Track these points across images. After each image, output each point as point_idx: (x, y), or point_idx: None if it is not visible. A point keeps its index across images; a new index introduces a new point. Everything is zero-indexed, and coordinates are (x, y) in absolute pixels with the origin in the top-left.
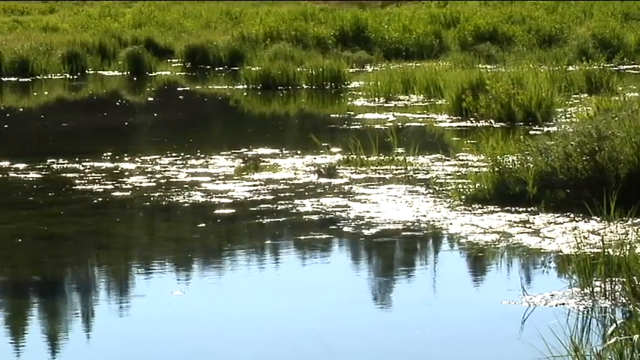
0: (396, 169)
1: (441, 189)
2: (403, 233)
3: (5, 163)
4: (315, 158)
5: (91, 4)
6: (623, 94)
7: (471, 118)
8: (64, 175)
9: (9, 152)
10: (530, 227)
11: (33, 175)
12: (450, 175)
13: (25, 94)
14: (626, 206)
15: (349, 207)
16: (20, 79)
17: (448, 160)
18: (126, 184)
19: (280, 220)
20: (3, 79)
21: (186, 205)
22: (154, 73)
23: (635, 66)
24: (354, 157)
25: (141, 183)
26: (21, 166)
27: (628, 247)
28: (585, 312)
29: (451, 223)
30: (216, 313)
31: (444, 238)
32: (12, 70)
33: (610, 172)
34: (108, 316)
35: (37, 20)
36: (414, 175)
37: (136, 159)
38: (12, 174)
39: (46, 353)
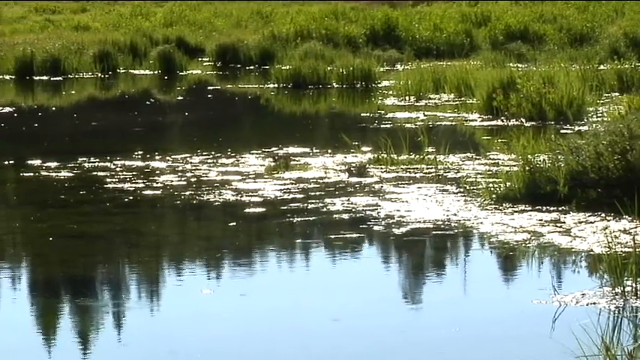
0: (427, 168)
1: (471, 188)
2: (434, 232)
3: (37, 162)
4: (345, 157)
5: (122, 4)
6: None
7: (502, 117)
8: (95, 173)
9: (41, 151)
10: (561, 226)
11: (64, 173)
12: (480, 174)
13: (57, 93)
14: None
15: (379, 206)
16: (52, 78)
17: (479, 159)
18: (156, 183)
19: (310, 219)
20: (35, 78)
21: (216, 203)
22: (184, 72)
23: None
24: (385, 155)
25: (171, 182)
26: (52, 164)
27: None
28: (616, 311)
29: (482, 222)
30: (246, 311)
31: (474, 237)
32: (44, 69)
33: None
34: (138, 314)
35: (68, 19)
36: (445, 174)
37: (167, 158)
38: (43, 172)
39: (77, 351)
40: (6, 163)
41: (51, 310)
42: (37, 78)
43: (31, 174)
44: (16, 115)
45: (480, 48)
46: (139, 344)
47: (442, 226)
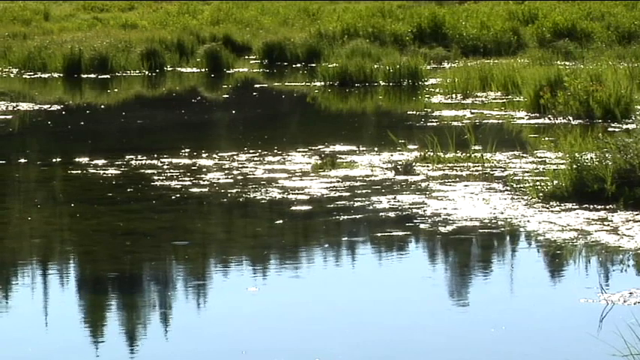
0: (473, 166)
1: (518, 186)
2: (480, 230)
3: (85, 160)
4: (391, 155)
5: (169, 2)
6: None
7: (549, 115)
8: (142, 171)
9: (88, 149)
10: (608, 225)
11: (112, 171)
12: (527, 172)
13: (104, 91)
14: None
15: (426, 204)
16: (99, 76)
17: (525, 157)
18: (203, 181)
19: (357, 216)
20: (83, 76)
21: (263, 201)
22: (231, 70)
23: None
24: (431, 154)
25: (218, 179)
26: (100, 162)
27: None
28: None
29: (528, 221)
30: (291, 309)
31: (521, 236)
32: (92, 67)
33: None
34: (184, 311)
35: (116, 17)
36: (491, 172)
37: (214, 155)
38: (91, 170)
39: (125, 348)
40: (54, 160)
41: (98, 307)
42: (85, 76)
43: (79, 171)
44: (64, 113)
45: (527, 46)
46: (185, 341)
47: (489, 225)
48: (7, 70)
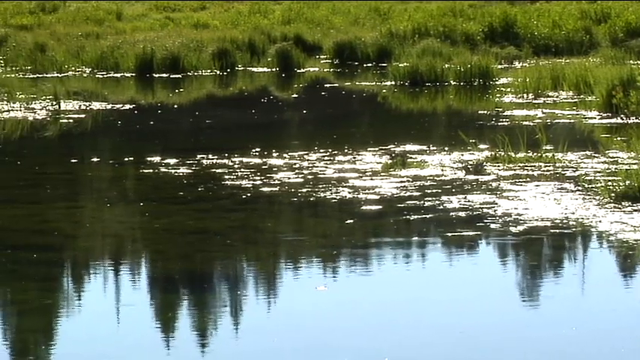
0: (545, 166)
1: (590, 186)
2: (551, 231)
3: (156, 159)
4: (462, 155)
5: (241, 2)
6: None
7: (622, 115)
8: (213, 170)
9: (160, 148)
10: None
11: (183, 170)
12: (599, 172)
13: (176, 90)
14: None
15: (496, 204)
16: (171, 76)
17: (597, 157)
18: (274, 180)
19: (427, 216)
20: (154, 75)
21: (333, 201)
22: (302, 70)
23: None
24: (502, 153)
25: (289, 179)
26: (171, 161)
27: None
28: None
29: (600, 221)
30: (360, 308)
31: (592, 236)
32: (163, 66)
33: None
34: (254, 310)
35: (188, 17)
36: (563, 172)
37: (284, 155)
38: (163, 169)
39: (195, 346)
40: (126, 160)
41: (169, 306)
42: (157, 76)
43: (151, 171)
44: (136, 112)
45: (599, 45)
46: (255, 339)
47: (560, 225)
48: (80, 69)
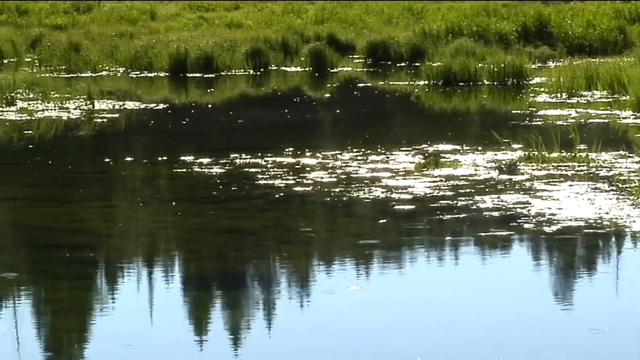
0: (578, 166)
1: (623, 186)
2: (585, 231)
3: (190, 158)
4: (495, 154)
5: (274, 2)
6: None
7: None
8: (246, 170)
9: (193, 147)
10: None
11: (216, 169)
12: (633, 172)
13: (209, 90)
14: None
15: (530, 204)
16: (205, 75)
17: (631, 156)
18: (307, 180)
19: (460, 216)
20: (188, 75)
21: (366, 200)
22: (335, 69)
23: None
24: (536, 153)
25: (322, 178)
26: (205, 160)
27: None
28: None
29: (634, 221)
30: (392, 308)
31: (626, 236)
32: (197, 66)
33: None
34: (287, 309)
35: (221, 17)
36: (597, 172)
37: (317, 154)
38: (196, 169)
39: (228, 345)
40: (159, 159)
41: (202, 305)
42: (190, 75)
43: (184, 170)
44: (169, 112)
45: (633, 44)
46: (287, 339)
47: (593, 225)
48: (114, 69)
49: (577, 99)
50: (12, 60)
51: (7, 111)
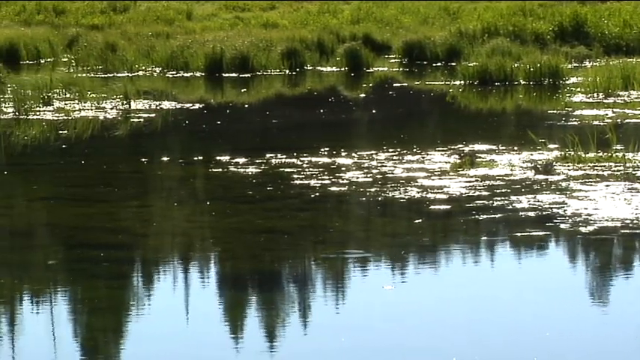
0: (615, 166)
1: None
2: (621, 231)
3: (225, 158)
4: (531, 154)
5: (310, 2)
6: None
7: None
8: (281, 169)
9: (229, 147)
10: None
11: (252, 169)
12: None
13: (245, 89)
14: None
15: (566, 204)
16: (240, 75)
17: None
18: (342, 179)
19: (496, 216)
20: (224, 75)
21: (401, 200)
22: (371, 69)
23: None
24: (572, 153)
25: (357, 178)
26: (240, 160)
27: None
28: None
29: None
30: (427, 308)
31: None
32: (233, 66)
33: None
34: (322, 309)
35: (257, 17)
36: (633, 172)
37: (353, 154)
38: (232, 168)
39: (264, 345)
40: (195, 159)
41: (238, 304)
42: (226, 75)
43: (219, 170)
44: (205, 111)
45: None
46: (322, 339)
47: (630, 225)
48: (150, 69)
49: (613, 99)
50: (49, 60)
51: (44, 111)
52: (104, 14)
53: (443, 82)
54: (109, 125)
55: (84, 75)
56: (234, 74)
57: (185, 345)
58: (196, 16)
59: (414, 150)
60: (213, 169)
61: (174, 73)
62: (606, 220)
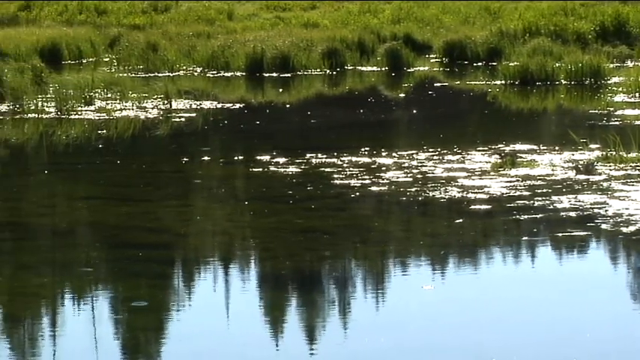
0: None
1: None
2: None
3: (265, 158)
4: (572, 154)
5: (351, 1)
6: None
7: None
8: (322, 169)
9: (269, 147)
10: None
11: (292, 169)
12: None
13: (285, 89)
14: None
15: (607, 204)
16: (281, 75)
17: None
18: (382, 179)
19: (537, 216)
20: (264, 74)
21: (442, 200)
22: (411, 69)
23: None
24: (613, 153)
25: (397, 178)
26: (281, 160)
27: None
28: None
29: None
30: (467, 308)
31: None
32: (273, 65)
33: None
34: (362, 308)
35: (298, 17)
36: None
37: (393, 154)
38: (272, 168)
39: (304, 344)
40: (235, 158)
41: (278, 304)
42: (267, 75)
43: (260, 169)
44: (245, 111)
45: None
46: (362, 338)
47: None
48: (191, 69)
49: None
50: (91, 60)
51: (85, 110)
52: (145, 14)
53: (483, 82)
54: (150, 125)
55: (125, 75)
56: (274, 74)
57: (225, 344)
58: (237, 16)
59: (455, 150)
60: (254, 169)
61: (215, 72)
62: None
